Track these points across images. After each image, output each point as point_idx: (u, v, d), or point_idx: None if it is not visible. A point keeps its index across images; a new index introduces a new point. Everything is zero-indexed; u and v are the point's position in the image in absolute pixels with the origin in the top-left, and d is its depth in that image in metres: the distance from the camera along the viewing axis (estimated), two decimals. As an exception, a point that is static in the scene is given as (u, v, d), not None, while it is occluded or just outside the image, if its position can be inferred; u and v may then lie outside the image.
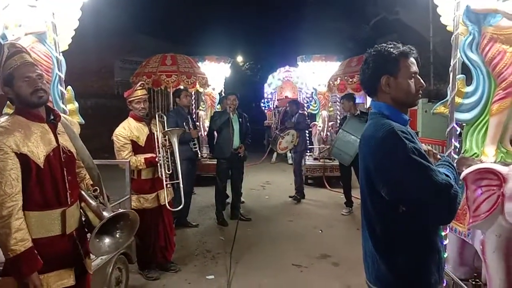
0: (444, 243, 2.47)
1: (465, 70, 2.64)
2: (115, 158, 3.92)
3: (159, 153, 3.92)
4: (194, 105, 8.92)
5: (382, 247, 1.73)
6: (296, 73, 12.39)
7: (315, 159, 8.94)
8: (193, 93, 8.60)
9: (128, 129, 3.90)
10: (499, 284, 2.24)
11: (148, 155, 3.91)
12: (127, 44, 14.93)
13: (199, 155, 5.95)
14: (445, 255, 2.49)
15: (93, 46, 10.83)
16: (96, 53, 12.64)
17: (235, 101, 5.79)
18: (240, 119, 5.87)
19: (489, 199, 2.25)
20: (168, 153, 4.01)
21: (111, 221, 2.17)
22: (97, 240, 2.16)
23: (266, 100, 14.35)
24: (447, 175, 1.65)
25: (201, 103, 9.00)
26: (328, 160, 8.53)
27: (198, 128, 8.45)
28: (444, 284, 2.37)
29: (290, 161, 10.20)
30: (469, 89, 2.57)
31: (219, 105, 8.90)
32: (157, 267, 4.17)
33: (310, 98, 10.44)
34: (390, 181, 1.61)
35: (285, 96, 13.12)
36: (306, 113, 8.91)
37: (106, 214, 2.17)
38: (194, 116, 8.77)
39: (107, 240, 2.21)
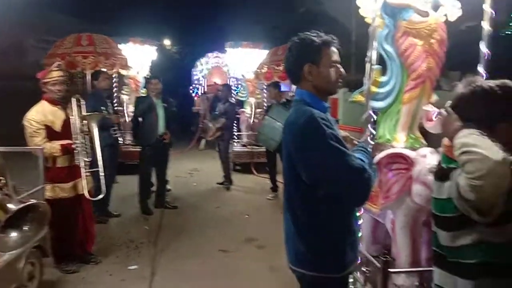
0: (359, 224, 2.63)
1: (381, 61, 2.80)
2: (27, 145, 3.61)
3: (77, 140, 3.70)
4: (116, 89, 8.49)
5: (302, 228, 1.79)
6: (225, 59, 12.31)
7: (243, 145, 9.03)
8: (114, 76, 8.18)
9: (42, 113, 3.63)
10: (405, 259, 2.44)
11: (65, 142, 3.67)
12: (43, 23, 13.66)
13: (121, 142, 5.70)
14: (359, 235, 2.66)
15: (3, 23, 9.77)
16: (6, 31, 11.41)
17: (158, 85, 5.60)
18: (165, 104, 5.70)
19: (399, 181, 2.44)
20: (87, 140, 3.81)
21: (18, 214, 2.00)
22: (3, 234, 1.98)
23: (194, 85, 14.11)
24: (362, 160, 1.74)
25: (124, 87, 8.57)
26: (255, 147, 8.65)
27: (121, 113, 8.10)
28: (358, 261, 2.54)
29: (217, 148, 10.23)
30: (384, 79, 2.73)
31: (144, 89, 8.56)
32: (75, 260, 3.95)
33: (239, 85, 10.48)
34: (310, 165, 1.67)
35: (214, 82, 13.02)
36: (235, 101, 8.93)
37: (12, 206, 1.99)
38: (116, 101, 8.36)
39: (14, 234, 2.04)
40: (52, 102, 3.70)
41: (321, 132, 1.64)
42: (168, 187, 6.70)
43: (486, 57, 2.58)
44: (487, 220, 1.32)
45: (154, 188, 6.16)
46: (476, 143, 1.27)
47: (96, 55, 6.68)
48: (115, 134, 5.22)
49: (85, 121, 3.79)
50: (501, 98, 1.43)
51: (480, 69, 2.58)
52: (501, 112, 1.45)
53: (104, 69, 6.64)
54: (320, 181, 1.69)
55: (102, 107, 4.95)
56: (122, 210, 5.73)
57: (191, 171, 8.72)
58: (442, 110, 1.57)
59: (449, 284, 1.47)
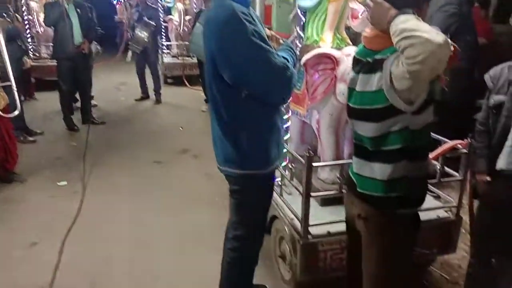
0: (287, 125, 2.71)
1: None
2: None
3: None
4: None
5: (228, 128, 1.79)
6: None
7: (173, 57, 8.62)
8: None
9: None
10: (329, 155, 2.59)
11: None
12: None
13: (36, 55, 5.17)
14: (288, 135, 2.75)
15: None
16: None
17: None
18: (78, 10, 5.13)
19: (325, 81, 2.47)
20: None
21: None
22: None
23: (115, -8, 12.76)
24: (285, 58, 1.71)
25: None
26: (187, 58, 8.32)
27: (31, 22, 7.25)
28: (287, 160, 2.66)
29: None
30: (311, -25, 2.61)
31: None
32: (-2, 180, 3.76)
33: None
34: (232, 63, 1.61)
35: (137, -13, 11.85)
36: (160, 7, 8.28)
37: None
38: (23, 8, 7.41)
39: None
40: None
41: (243, 28, 1.56)
42: (94, 102, 6.36)
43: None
44: (412, 109, 1.39)
45: (79, 104, 5.81)
46: (416, 27, 1.26)
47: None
48: (23, 45, 4.69)
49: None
50: None
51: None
52: None
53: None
54: (242, 79, 1.65)
55: (3, 14, 4.35)
56: (45, 128, 5.41)
57: (118, 85, 8.27)
58: (368, 1, 1.50)
59: (367, 170, 1.57)
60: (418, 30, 1.25)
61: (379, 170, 1.52)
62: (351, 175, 1.68)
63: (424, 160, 1.58)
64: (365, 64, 1.52)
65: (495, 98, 2.10)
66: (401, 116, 1.43)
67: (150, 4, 6.88)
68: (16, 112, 3.66)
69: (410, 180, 1.51)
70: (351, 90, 1.61)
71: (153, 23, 6.45)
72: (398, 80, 1.33)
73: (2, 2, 4.53)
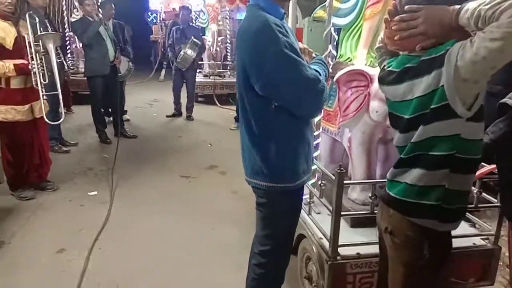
0: (317, 142, 2.67)
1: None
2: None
3: (32, 60, 3.44)
4: (66, 11, 7.87)
5: (257, 139, 1.76)
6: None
7: (205, 76, 8.78)
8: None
9: (-9, 29, 3.29)
10: (361, 174, 2.52)
11: (19, 61, 3.41)
12: None
13: (66, 67, 5.35)
14: (317, 152, 2.71)
15: None
16: None
17: (95, 6, 5.16)
18: (105, 26, 5.28)
19: (357, 99, 2.42)
20: (44, 61, 3.55)
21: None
22: None
23: (151, 12, 13.24)
24: (317, 71, 1.69)
25: (75, 10, 7.92)
26: (218, 77, 8.47)
27: (71, 38, 7.58)
28: (316, 178, 2.60)
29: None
30: (347, -7, 2.62)
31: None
32: (31, 187, 3.85)
33: (200, 12, 9.94)
34: (263, 74, 1.60)
35: (173, 9, 12.27)
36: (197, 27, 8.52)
37: None
38: (66, 25, 7.79)
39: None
40: (2, 16, 3.35)
41: (275, 40, 1.55)
42: (127, 117, 6.53)
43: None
44: (469, 114, 1.30)
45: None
46: None
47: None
48: (59, 59, 4.89)
49: (40, 41, 3.54)
50: None
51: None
52: None
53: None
54: (272, 90, 1.63)
55: (41, 28, 4.55)
56: (79, 139, 5.58)
57: (151, 102, 8.47)
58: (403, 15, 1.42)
59: (402, 175, 1.46)
60: None
61: (415, 175, 1.41)
62: (386, 187, 1.60)
63: (469, 174, 1.43)
64: (409, 70, 1.43)
65: None
66: (454, 120, 1.31)
67: (192, 24, 7.07)
68: (62, 120, 3.82)
69: (448, 191, 1.39)
70: (400, 102, 1.48)
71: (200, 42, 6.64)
72: (469, 65, 1.21)
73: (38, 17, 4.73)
